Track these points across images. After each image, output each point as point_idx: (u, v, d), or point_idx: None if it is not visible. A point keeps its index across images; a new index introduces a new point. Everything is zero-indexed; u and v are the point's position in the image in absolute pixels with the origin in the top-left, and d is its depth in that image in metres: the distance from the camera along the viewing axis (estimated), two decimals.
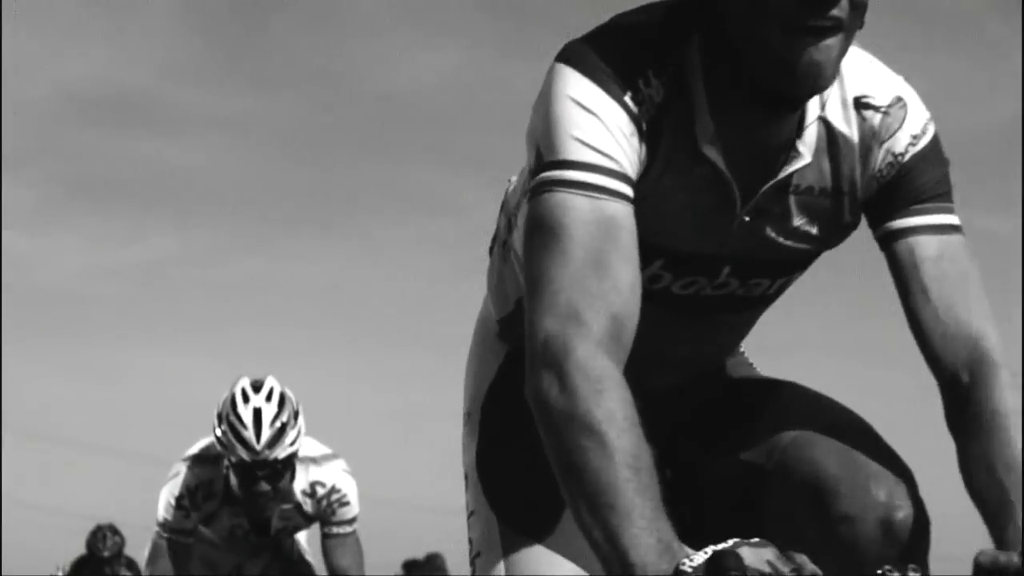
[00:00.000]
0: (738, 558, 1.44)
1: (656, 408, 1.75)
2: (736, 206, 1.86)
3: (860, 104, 1.86)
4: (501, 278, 2.16)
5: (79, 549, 9.35)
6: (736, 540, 1.48)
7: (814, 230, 1.92)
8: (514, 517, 2.06)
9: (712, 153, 1.82)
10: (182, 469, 4.78)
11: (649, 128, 1.79)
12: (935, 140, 1.90)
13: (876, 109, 1.87)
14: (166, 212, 43.04)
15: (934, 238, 1.87)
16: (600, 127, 1.75)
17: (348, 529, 4.87)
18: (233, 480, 4.68)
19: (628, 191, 1.76)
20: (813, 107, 1.84)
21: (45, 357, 41.17)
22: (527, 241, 1.78)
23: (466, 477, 2.19)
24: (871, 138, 1.87)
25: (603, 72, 1.77)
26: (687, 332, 2.04)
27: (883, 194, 1.89)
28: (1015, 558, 1.61)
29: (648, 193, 1.80)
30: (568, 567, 1.99)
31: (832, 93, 1.85)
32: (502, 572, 2.03)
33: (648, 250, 1.80)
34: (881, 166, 1.88)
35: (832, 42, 1.70)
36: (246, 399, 4.67)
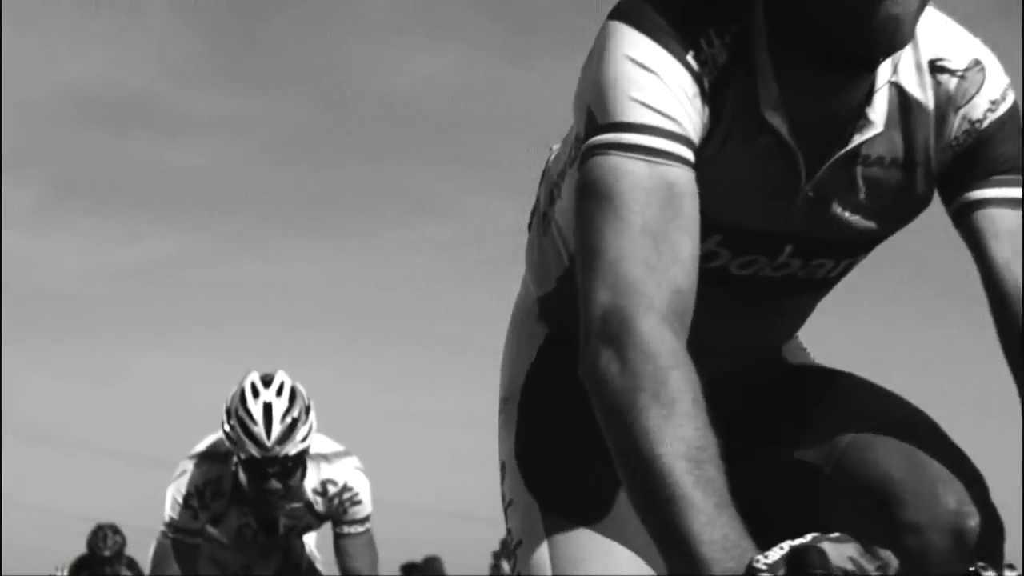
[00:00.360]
0: (822, 554, 1.32)
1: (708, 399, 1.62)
2: (801, 179, 1.75)
3: (935, 67, 1.75)
4: (542, 252, 2.03)
5: (79, 550, 9.34)
6: (815, 535, 1.36)
7: (884, 205, 1.80)
8: (557, 503, 1.91)
9: (776, 121, 1.71)
10: (189, 467, 4.63)
11: (712, 91, 1.67)
12: (1015, 107, 1.78)
13: (952, 73, 1.75)
14: (166, 212, 43.08)
15: (1013, 212, 1.76)
16: (661, 87, 1.63)
17: (361, 529, 4.71)
18: (242, 477, 4.55)
19: (690, 156, 1.64)
20: (884, 71, 1.72)
21: (45, 357, 41.21)
22: (578, 208, 1.65)
23: (503, 466, 2.04)
24: (947, 104, 1.75)
25: (663, 30, 1.65)
26: (742, 318, 1.91)
27: (958, 164, 1.78)
28: None
29: (708, 162, 1.68)
30: (616, 549, 1.85)
31: (905, 56, 1.73)
32: (546, 558, 1.88)
33: (706, 224, 1.66)
34: (957, 134, 1.76)
35: None
36: (256, 394, 4.53)
